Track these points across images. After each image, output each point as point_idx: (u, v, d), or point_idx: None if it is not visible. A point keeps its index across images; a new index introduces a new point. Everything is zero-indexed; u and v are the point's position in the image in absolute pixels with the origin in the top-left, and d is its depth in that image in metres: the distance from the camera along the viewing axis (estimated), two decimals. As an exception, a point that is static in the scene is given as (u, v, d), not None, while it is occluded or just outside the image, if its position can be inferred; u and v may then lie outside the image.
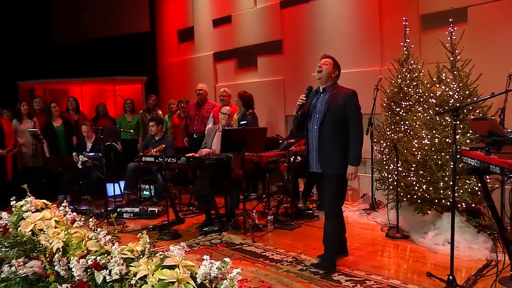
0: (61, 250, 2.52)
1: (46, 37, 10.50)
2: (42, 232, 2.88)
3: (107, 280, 2.18)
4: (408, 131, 5.15)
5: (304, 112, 4.04)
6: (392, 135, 5.40)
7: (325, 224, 4.12)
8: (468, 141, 4.46)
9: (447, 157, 4.51)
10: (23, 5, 9.95)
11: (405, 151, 4.93)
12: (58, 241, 2.58)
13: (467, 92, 4.64)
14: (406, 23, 5.51)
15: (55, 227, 2.89)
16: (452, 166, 3.48)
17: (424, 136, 4.75)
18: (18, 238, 2.86)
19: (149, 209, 6.22)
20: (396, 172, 4.91)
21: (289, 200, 5.84)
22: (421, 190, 4.71)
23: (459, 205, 4.50)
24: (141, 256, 2.27)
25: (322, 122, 3.89)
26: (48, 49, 10.25)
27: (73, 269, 2.29)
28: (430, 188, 4.62)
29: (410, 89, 5.40)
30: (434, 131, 4.69)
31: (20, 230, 2.98)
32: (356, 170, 3.88)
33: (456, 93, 4.63)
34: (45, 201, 3.45)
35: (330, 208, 4.02)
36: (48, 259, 2.55)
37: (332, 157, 3.88)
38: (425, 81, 5.10)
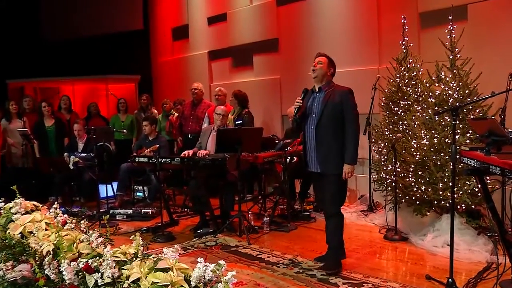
0: (51, 253, 2.47)
1: (36, 34, 10.38)
2: (32, 234, 2.83)
3: (99, 284, 2.14)
4: (407, 131, 5.11)
5: (302, 114, 4.00)
6: (391, 135, 5.37)
7: (327, 224, 4.06)
8: (467, 141, 4.43)
9: (447, 157, 4.48)
10: (12, 1, 9.81)
11: (404, 151, 4.90)
12: (48, 244, 2.53)
13: (466, 91, 4.60)
14: (405, 21, 5.47)
15: (46, 230, 2.84)
16: (451, 167, 3.44)
17: (423, 136, 4.71)
18: (6, 241, 2.80)
19: (142, 210, 6.15)
20: (394, 173, 4.87)
21: (286, 201, 5.78)
22: (420, 191, 4.67)
23: (458, 207, 4.46)
24: (134, 258, 2.23)
25: (319, 121, 3.87)
26: (39, 46, 10.13)
27: (63, 273, 2.25)
28: (429, 189, 4.58)
29: (408, 88, 5.36)
30: (433, 131, 4.66)
31: (8, 232, 2.92)
32: (353, 169, 3.85)
33: (456, 92, 4.60)
34: (35, 202, 3.39)
35: (332, 208, 3.97)
36: (37, 262, 2.51)
37: (330, 156, 3.85)
38: (424, 80, 5.07)
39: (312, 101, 3.96)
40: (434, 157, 4.57)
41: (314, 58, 4.03)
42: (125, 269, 2.12)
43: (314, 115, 3.91)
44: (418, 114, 4.92)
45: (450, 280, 3.36)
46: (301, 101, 3.95)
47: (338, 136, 3.83)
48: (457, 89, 4.60)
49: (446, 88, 4.66)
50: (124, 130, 7.33)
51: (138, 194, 7.04)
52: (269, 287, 3.62)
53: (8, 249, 2.74)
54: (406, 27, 5.48)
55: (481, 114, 4.56)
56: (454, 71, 4.69)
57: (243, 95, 6.74)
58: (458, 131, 4.51)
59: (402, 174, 4.93)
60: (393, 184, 4.91)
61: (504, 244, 3.46)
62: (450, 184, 3.65)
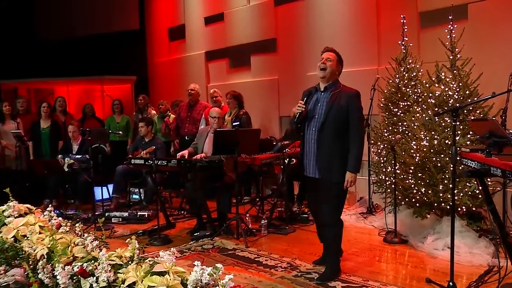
0: (45, 256, 2.46)
1: (30, 34, 10.33)
2: (26, 238, 2.81)
3: (94, 288, 2.14)
4: (406, 132, 5.09)
5: (303, 117, 3.74)
6: (390, 136, 5.35)
7: (326, 233, 3.94)
8: (468, 142, 4.39)
9: (447, 159, 4.44)
10: (5, 0, 9.75)
11: (403, 152, 4.87)
12: (42, 248, 2.52)
13: (467, 92, 4.57)
14: (404, 21, 5.46)
15: (40, 233, 2.82)
16: (451, 169, 3.41)
17: (423, 137, 4.68)
18: (-1, 245, 2.77)
19: (138, 213, 6.10)
20: (394, 175, 4.84)
21: (284, 203, 5.75)
22: (419, 193, 4.64)
23: (459, 209, 4.43)
24: (129, 262, 2.21)
25: (322, 124, 3.63)
26: (32, 46, 10.08)
27: (58, 277, 2.25)
28: (429, 191, 4.54)
29: (408, 89, 5.34)
30: (433, 132, 4.62)
31: (1, 236, 2.89)
32: (355, 177, 3.66)
33: (456, 93, 4.56)
34: (29, 205, 3.37)
35: (331, 218, 3.77)
36: (31, 266, 2.49)
37: (331, 162, 3.63)
38: (424, 81, 5.04)
39: (315, 102, 3.72)
40: (434, 158, 4.53)
41: (321, 53, 3.77)
42: (121, 273, 2.11)
43: (317, 117, 3.67)
44: (418, 115, 4.89)
45: (451, 283, 3.33)
46: (303, 106, 3.69)
47: (341, 141, 3.61)
48: (457, 89, 4.57)
49: (446, 89, 4.63)
50: (120, 132, 7.28)
51: (134, 196, 6.99)
52: (267, 291, 3.58)
53: (0, 253, 2.71)
54: (406, 27, 5.46)
55: (481, 115, 4.53)
56: (454, 71, 4.65)
57: (240, 96, 6.75)
58: (459, 132, 4.47)
59: (402, 176, 4.89)
60: (393, 186, 4.87)
61: (505, 246, 3.43)
62: (451, 186, 3.65)
